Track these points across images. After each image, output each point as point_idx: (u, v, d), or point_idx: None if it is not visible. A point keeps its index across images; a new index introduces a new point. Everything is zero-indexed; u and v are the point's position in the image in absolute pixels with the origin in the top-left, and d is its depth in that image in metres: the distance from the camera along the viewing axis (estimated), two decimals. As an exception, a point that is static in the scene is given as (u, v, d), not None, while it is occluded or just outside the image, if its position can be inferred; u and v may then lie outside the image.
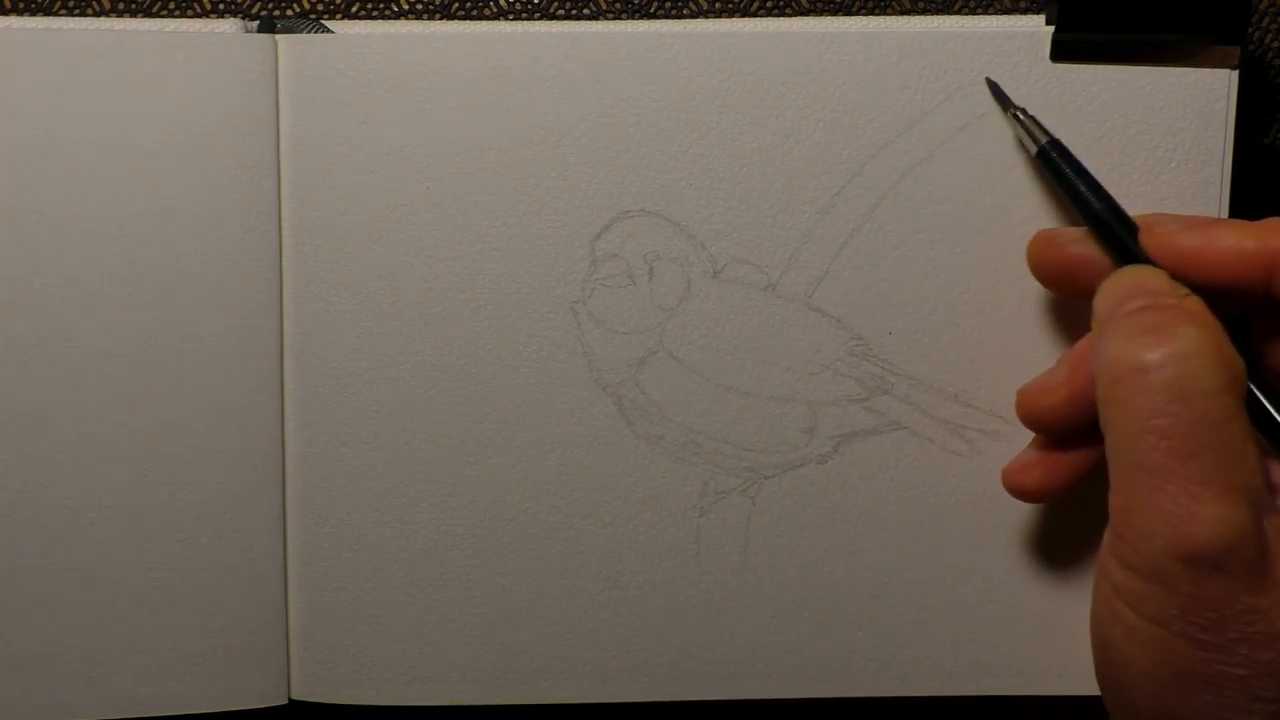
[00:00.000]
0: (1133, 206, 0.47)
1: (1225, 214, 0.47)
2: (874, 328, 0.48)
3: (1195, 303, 0.40)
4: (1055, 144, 0.45)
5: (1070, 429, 0.44)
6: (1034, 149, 0.46)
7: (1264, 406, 0.40)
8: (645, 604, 0.49)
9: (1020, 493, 0.46)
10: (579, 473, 0.49)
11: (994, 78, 0.47)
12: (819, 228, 0.48)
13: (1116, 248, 0.43)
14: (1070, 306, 0.48)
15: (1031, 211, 0.47)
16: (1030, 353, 0.48)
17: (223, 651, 0.49)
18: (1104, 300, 0.41)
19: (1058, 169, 0.45)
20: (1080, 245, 0.44)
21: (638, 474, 0.49)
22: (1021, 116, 0.46)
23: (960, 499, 0.49)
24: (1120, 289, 0.41)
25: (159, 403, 0.48)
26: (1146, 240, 0.42)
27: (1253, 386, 0.40)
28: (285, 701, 0.50)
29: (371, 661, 0.49)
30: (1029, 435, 0.47)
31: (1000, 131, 0.47)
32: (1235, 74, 0.46)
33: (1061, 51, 0.47)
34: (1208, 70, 0.46)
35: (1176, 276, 0.41)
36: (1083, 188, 0.44)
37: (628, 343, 0.48)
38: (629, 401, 0.48)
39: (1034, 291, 0.48)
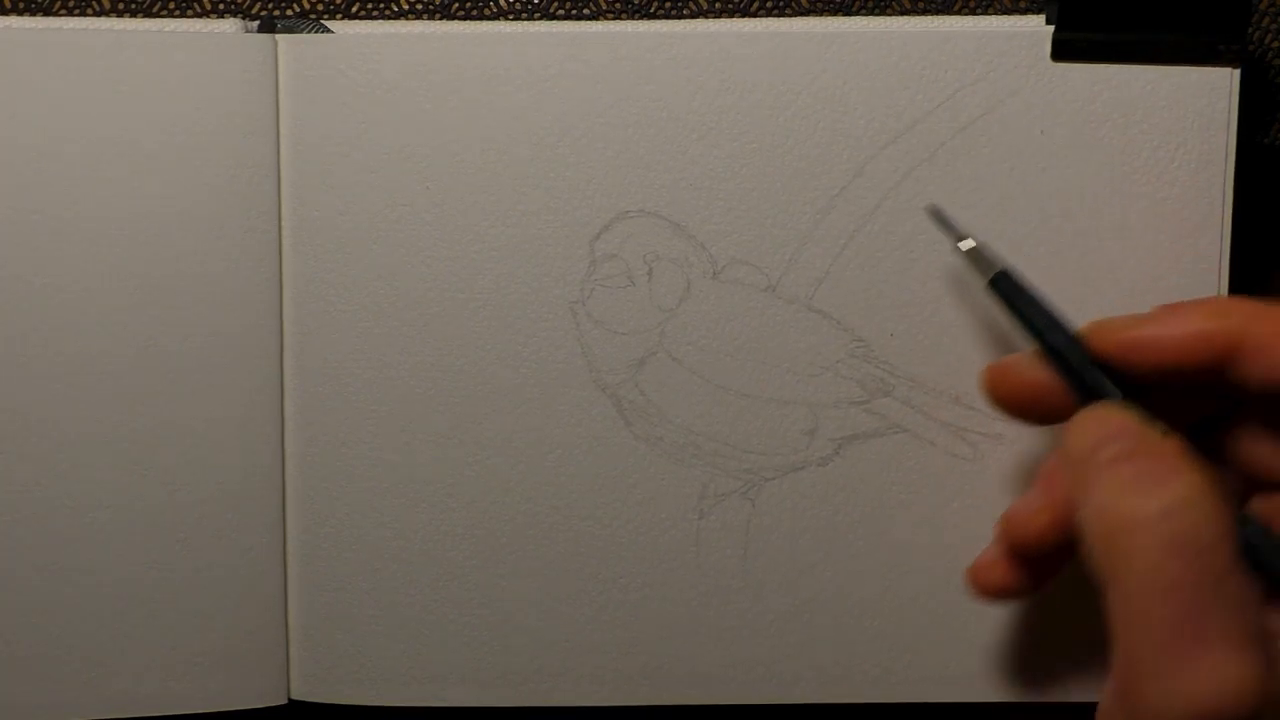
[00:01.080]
0: (1134, 207, 0.47)
1: (1229, 213, 0.47)
2: (875, 329, 0.48)
3: (1176, 443, 0.38)
4: (1005, 275, 0.44)
5: (1059, 547, 0.43)
6: (984, 279, 0.44)
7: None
8: (644, 606, 0.49)
9: (983, 593, 0.45)
10: (578, 474, 0.48)
11: (994, 78, 0.47)
12: (819, 228, 0.48)
13: (1075, 378, 0.42)
14: (1068, 307, 0.47)
15: (1032, 211, 0.47)
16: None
17: (223, 651, 0.49)
18: (1078, 441, 0.40)
19: (1009, 300, 0.44)
20: (1037, 370, 0.43)
21: (637, 475, 0.49)
22: (967, 249, 0.45)
23: (962, 502, 0.48)
24: (1095, 431, 0.39)
25: (159, 403, 0.48)
26: (1097, 336, 0.41)
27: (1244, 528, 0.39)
28: (285, 701, 0.50)
29: (371, 661, 0.49)
30: (1032, 440, 0.47)
31: (1000, 131, 0.47)
32: (1237, 73, 0.46)
33: (1062, 51, 0.47)
34: (1208, 69, 0.46)
35: (1133, 367, 0.40)
36: (1035, 319, 0.43)
37: (627, 343, 0.48)
38: (628, 402, 0.48)
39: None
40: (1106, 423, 0.39)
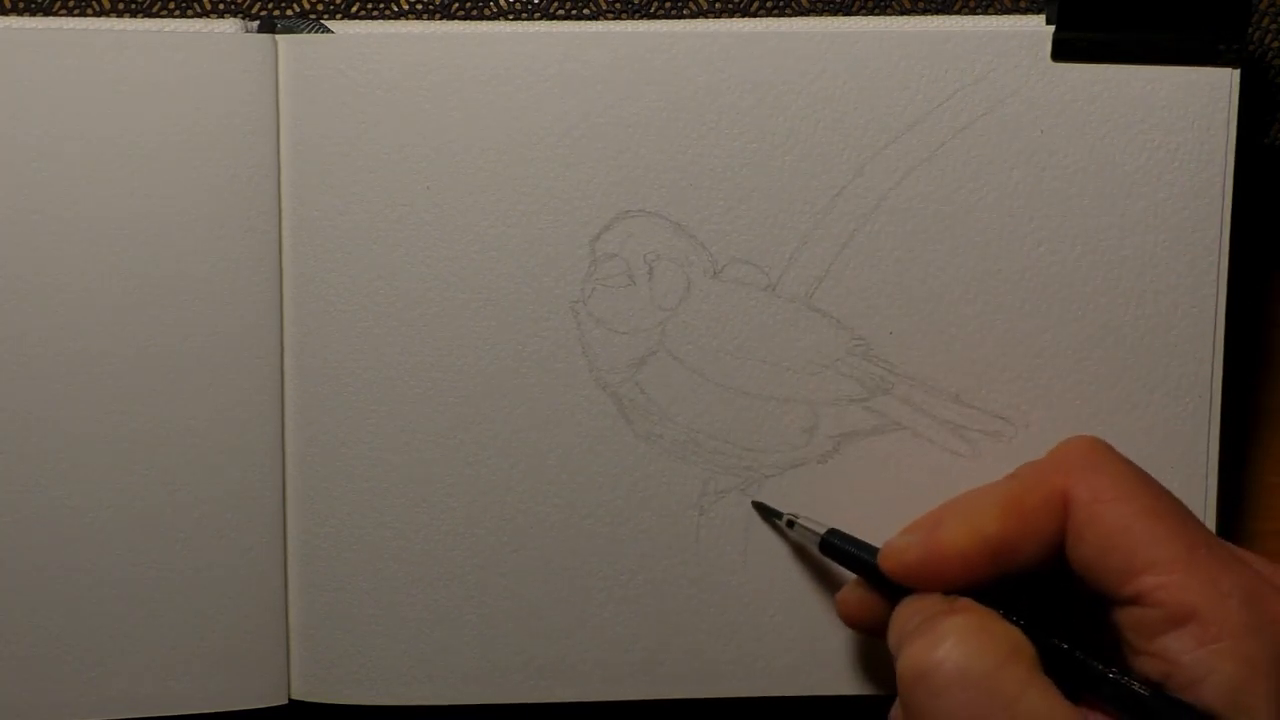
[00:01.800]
0: (1134, 207, 0.47)
1: (1228, 213, 0.47)
2: (874, 328, 0.48)
3: (964, 601, 0.42)
4: (835, 532, 0.47)
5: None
6: (816, 541, 0.47)
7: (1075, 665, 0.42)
8: (645, 603, 0.49)
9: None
10: (579, 472, 0.49)
11: (994, 78, 0.47)
12: (819, 228, 0.48)
13: (891, 592, 0.45)
14: (1069, 307, 0.48)
15: (1032, 211, 0.47)
16: (1031, 353, 0.48)
17: (223, 651, 0.49)
18: (891, 635, 0.44)
19: (842, 553, 0.46)
20: (864, 592, 0.46)
21: (638, 473, 0.49)
22: (796, 521, 0.48)
23: (961, 499, 0.49)
24: (899, 619, 0.43)
25: (159, 403, 0.48)
26: (889, 563, 0.44)
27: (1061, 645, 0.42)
28: (285, 701, 0.50)
29: (371, 661, 0.49)
30: (1031, 437, 0.48)
31: (1000, 131, 0.47)
32: (1237, 73, 0.46)
33: (1062, 51, 0.47)
34: (1208, 69, 0.46)
35: (934, 581, 0.43)
36: (868, 559, 0.45)
37: (628, 343, 0.48)
38: (629, 401, 0.48)
39: (1035, 292, 0.48)
40: (906, 607, 0.44)
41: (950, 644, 0.40)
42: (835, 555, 0.47)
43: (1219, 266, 0.47)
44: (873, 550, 0.45)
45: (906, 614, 0.43)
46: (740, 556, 0.49)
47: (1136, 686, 0.40)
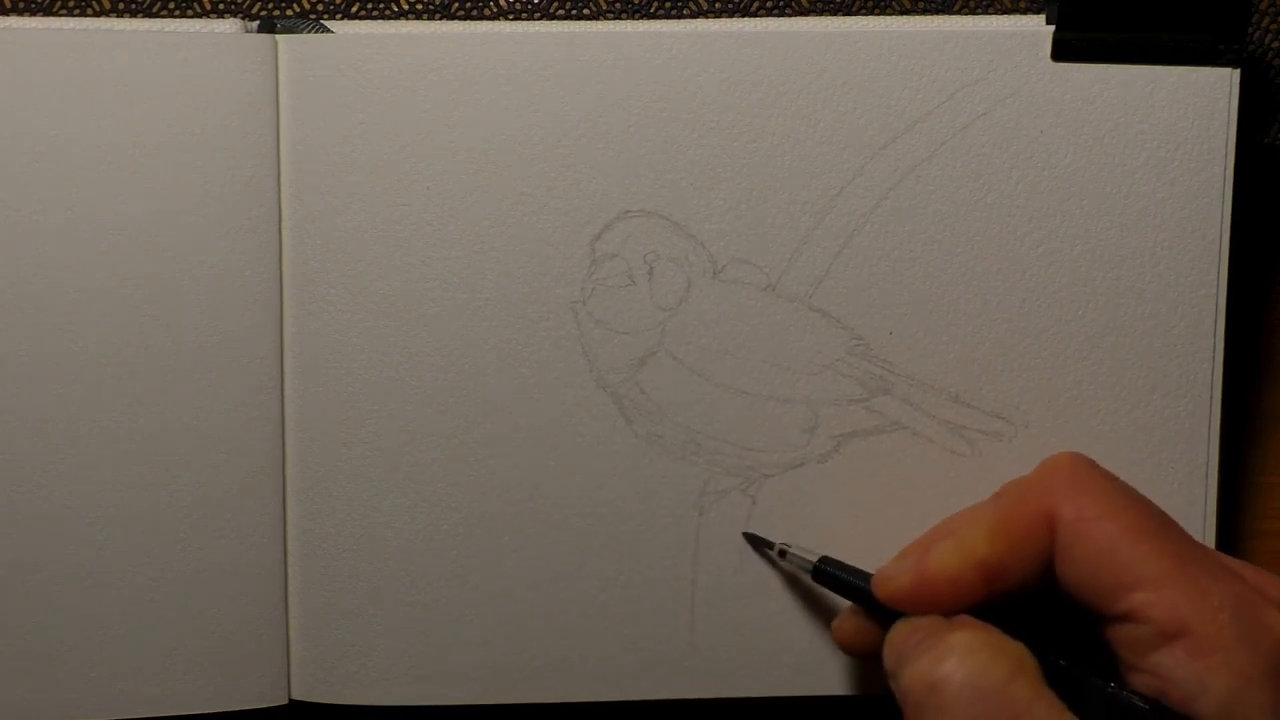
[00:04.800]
0: (1134, 207, 0.47)
1: (1228, 213, 0.47)
2: (874, 328, 0.48)
3: (963, 618, 0.43)
4: (827, 559, 0.47)
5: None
6: (809, 569, 0.47)
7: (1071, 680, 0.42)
8: (645, 603, 0.49)
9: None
10: (579, 472, 0.49)
11: (994, 78, 0.47)
12: (819, 228, 0.48)
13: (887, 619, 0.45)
14: (1067, 306, 0.48)
15: (1032, 211, 0.47)
16: (1031, 353, 0.48)
17: (223, 651, 0.49)
18: (889, 655, 0.44)
19: (836, 580, 0.47)
20: (860, 619, 0.46)
21: (638, 473, 0.49)
22: (788, 550, 0.48)
23: (961, 499, 0.48)
24: (895, 640, 0.43)
25: (159, 403, 0.48)
26: (882, 589, 0.44)
27: (1060, 661, 0.42)
28: (285, 702, 0.50)
29: (371, 661, 0.49)
30: (1030, 437, 0.48)
31: (1000, 131, 0.47)
32: (1237, 73, 0.46)
33: (1062, 51, 0.47)
34: (1209, 69, 0.46)
35: (928, 605, 0.44)
36: (861, 585, 0.45)
37: (628, 343, 0.48)
38: (629, 401, 0.48)
39: (1034, 292, 0.48)
40: (904, 627, 0.43)
41: (957, 658, 0.40)
42: (828, 583, 0.47)
43: (1219, 266, 0.47)
44: (865, 576, 0.45)
45: (903, 634, 0.43)
46: (739, 556, 0.49)
47: (1137, 700, 0.40)
